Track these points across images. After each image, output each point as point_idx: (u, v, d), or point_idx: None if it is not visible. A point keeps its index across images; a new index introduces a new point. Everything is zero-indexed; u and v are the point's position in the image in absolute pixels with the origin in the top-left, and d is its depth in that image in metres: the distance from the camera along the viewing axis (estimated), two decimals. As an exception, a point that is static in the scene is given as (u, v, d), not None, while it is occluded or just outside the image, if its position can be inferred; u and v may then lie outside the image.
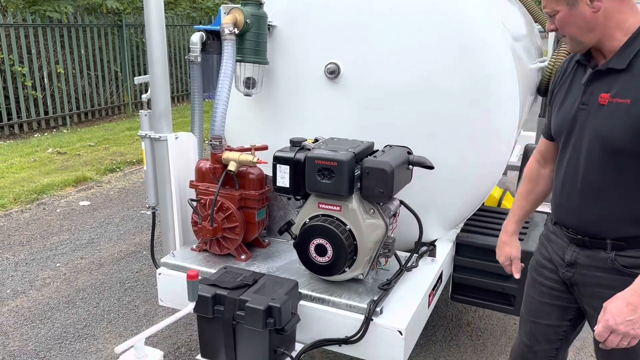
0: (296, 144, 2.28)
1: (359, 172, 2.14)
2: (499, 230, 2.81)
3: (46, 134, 9.00)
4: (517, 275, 2.11)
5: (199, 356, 2.15)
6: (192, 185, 2.56)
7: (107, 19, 10.74)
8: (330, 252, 2.15)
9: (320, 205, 2.21)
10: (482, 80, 2.46)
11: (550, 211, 1.99)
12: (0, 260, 4.26)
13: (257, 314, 1.93)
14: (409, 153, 2.30)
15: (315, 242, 2.17)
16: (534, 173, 2.07)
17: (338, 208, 2.18)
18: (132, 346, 1.58)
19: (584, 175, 1.71)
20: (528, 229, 2.93)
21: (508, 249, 2.11)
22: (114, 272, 4.09)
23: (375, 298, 2.14)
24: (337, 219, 2.17)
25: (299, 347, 2.19)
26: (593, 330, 1.65)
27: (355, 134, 2.59)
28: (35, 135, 8.84)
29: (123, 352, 1.53)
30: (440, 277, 2.61)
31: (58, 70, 9.70)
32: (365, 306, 2.11)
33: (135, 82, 2.73)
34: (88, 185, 6.21)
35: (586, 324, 1.96)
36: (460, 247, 2.85)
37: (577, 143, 1.72)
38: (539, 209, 3.23)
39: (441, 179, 2.61)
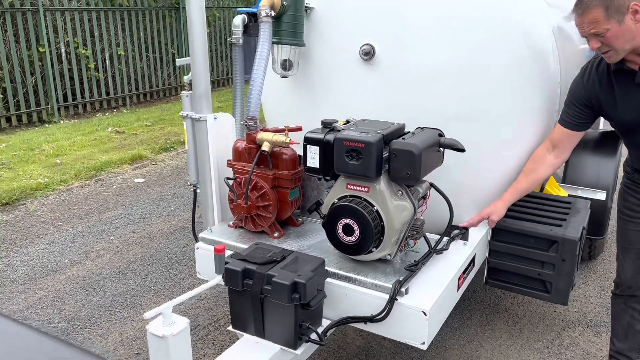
0: (327, 125, 2.31)
1: (387, 153, 2.16)
2: (537, 215, 2.80)
3: (107, 113, 9.43)
4: (464, 224, 2.61)
5: (230, 327, 2.25)
6: (229, 165, 2.65)
7: (165, 2, 11.05)
8: (357, 232, 2.19)
9: (349, 186, 2.25)
10: (520, 60, 2.41)
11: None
12: (60, 232, 4.56)
13: (283, 288, 2.00)
14: (440, 135, 2.29)
15: (342, 222, 2.21)
16: (538, 157, 2.54)
17: (366, 189, 2.21)
18: (160, 313, 1.69)
19: None
20: (569, 215, 2.85)
21: (490, 209, 2.57)
22: (163, 246, 4.29)
23: (400, 278, 2.17)
24: (365, 199, 2.20)
25: (326, 323, 2.25)
26: None
27: (390, 115, 2.60)
28: (97, 115, 9.27)
29: (151, 318, 1.64)
30: (472, 261, 2.60)
31: (119, 53, 10.10)
32: (391, 286, 2.14)
33: (177, 64, 2.83)
34: (143, 163, 6.48)
35: None
36: (496, 231, 2.82)
37: None
38: (582, 194, 3.17)
39: (475, 161, 2.59)
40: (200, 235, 2.63)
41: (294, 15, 2.64)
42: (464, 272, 2.47)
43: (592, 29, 2.04)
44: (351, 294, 2.24)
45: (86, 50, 9.49)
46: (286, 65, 2.76)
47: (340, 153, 2.17)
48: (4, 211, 4.97)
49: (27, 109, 8.76)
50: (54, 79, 9.04)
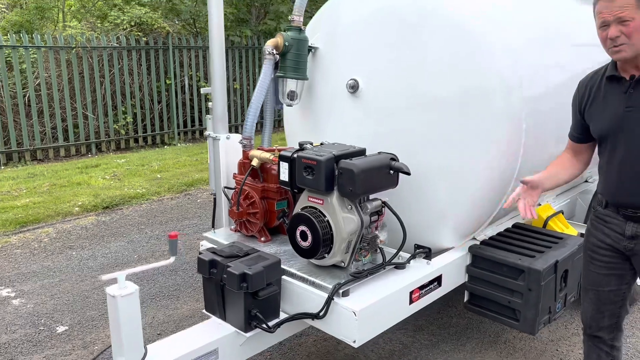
0: (301, 145, 2.69)
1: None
2: (517, 246, 2.92)
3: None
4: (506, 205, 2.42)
5: (204, 310, 2.68)
6: (234, 177, 3.13)
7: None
8: (310, 238, 2.52)
9: (309, 199, 2.59)
10: (482, 92, 2.60)
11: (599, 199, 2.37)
12: (140, 234, 5.35)
13: (234, 277, 2.39)
14: (393, 160, 2.56)
15: (300, 229, 2.56)
16: (566, 158, 2.49)
17: (321, 202, 2.54)
18: (115, 278, 2.17)
19: None
20: (550, 249, 2.90)
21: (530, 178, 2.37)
22: (217, 253, 4.87)
23: (341, 282, 2.45)
24: (319, 210, 2.53)
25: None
26: None
27: (373, 140, 2.90)
28: (209, 140, 10.40)
29: (107, 280, 2.13)
30: (438, 281, 2.77)
31: (235, 86, 11.26)
32: (331, 287, 2.43)
33: (202, 92, 3.40)
34: (230, 183, 7.25)
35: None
36: (475, 258, 2.95)
37: (629, 138, 2.14)
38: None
39: (453, 188, 2.78)
40: (204, 234, 3.12)
41: (296, 54, 3.08)
42: (420, 288, 2.66)
43: (619, 13, 2.01)
44: (304, 293, 2.56)
45: (206, 83, 10.74)
46: (292, 95, 3.20)
47: (300, 169, 2.54)
48: (103, 213, 5.94)
49: (152, 132, 10.12)
50: (177, 107, 10.35)
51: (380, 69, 2.87)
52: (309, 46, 3.14)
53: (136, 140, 9.88)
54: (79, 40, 8.92)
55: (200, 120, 10.77)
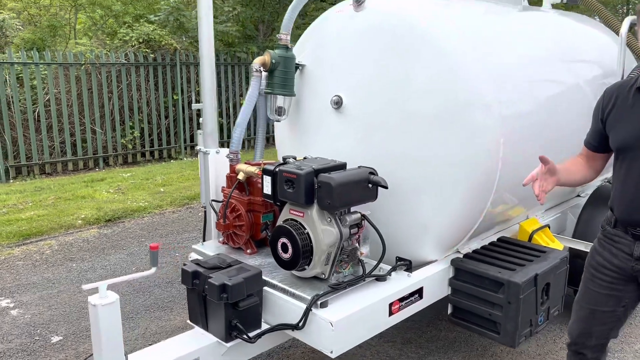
0: (284, 159, 2.77)
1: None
2: (499, 259, 2.96)
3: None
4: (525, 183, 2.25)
5: (188, 320, 2.74)
6: (222, 190, 3.20)
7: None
8: (290, 250, 2.58)
9: (291, 211, 2.65)
10: (458, 108, 2.66)
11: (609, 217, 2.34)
12: (140, 246, 5.44)
13: (214, 288, 2.45)
14: (372, 174, 2.62)
15: (281, 241, 2.62)
16: (579, 162, 2.46)
17: (301, 214, 2.60)
18: (97, 287, 2.24)
19: None
20: (532, 262, 2.93)
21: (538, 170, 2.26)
22: (213, 265, 4.94)
23: (320, 293, 2.50)
24: (300, 223, 2.59)
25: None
26: None
27: (357, 155, 2.96)
28: (215, 155, 10.53)
29: (89, 289, 2.20)
30: (418, 293, 2.81)
31: (241, 102, 11.41)
32: (310, 298, 2.48)
33: (193, 108, 3.50)
34: (232, 197, 7.33)
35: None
36: (458, 271, 2.99)
37: None
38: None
39: (435, 201, 2.82)
40: (193, 246, 3.19)
41: (283, 71, 3.16)
42: (400, 300, 2.70)
43: None
44: (285, 304, 2.61)
45: (212, 98, 10.89)
46: (279, 111, 3.28)
47: (281, 182, 2.61)
48: (106, 226, 6.05)
49: (159, 147, 10.27)
50: (184, 122, 10.51)
51: (363, 85, 2.95)
52: (297, 63, 3.23)
53: (143, 155, 10.03)
54: (88, 57, 9.13)
55: (206, 135, 10.91)
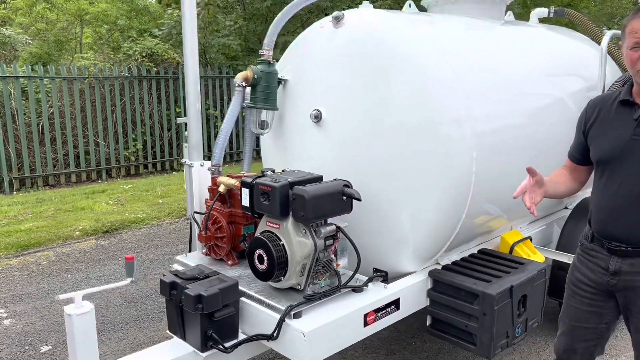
0: (262, 172, 2.82)
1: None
2: (477, 271, 2.99)
3: (226, 165, 10.73)
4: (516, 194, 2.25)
5: (167, 330, 2.79)
6: (205, 202, 3.26)
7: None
8: (266, 261, 2.62)
9: (268, 223, 2.71)
10: (431, 124, 2.71)
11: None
12: (135, 257, 5.51)
13: (190, 299, 2.50)
14: (346, 186, 2.67)
15: (257, 252, 2.66)
16: (564, 173, 2.47)
17: (277, 226, 2.65)
18: (72, 297, 2.30)
19: None
20: (509, 274, 2.95)
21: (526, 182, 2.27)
22: (206, 276, 4.99)
23: (294, 304, 2.54)
24: (275, 234, 2.64)
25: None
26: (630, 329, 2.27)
27: (336, 168, 3.01)
28: (216, 167, 10.63)
29: (64, 299, 2.26)
30: (395, 304, 2.84)
31: (243, 114, 11.50)
32: (284, 309, 2.52)
33: (178, 122, 3.57)
34: (230, 209, 7.41)
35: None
36: (436, 282, 3.01)
37: (633, 166, 2.09)
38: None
39: (411, 213, 2.86)
40: (176, 257, 3.25)
41: (265, 86, 3.23)
42: (375, 311, 2.73)
43: None
44: (261, 315, 2.65)
45: (215, 111, 11.02)
46: (262, 125, 3.34)
47: (258, 195, 2.66)
48: (103, 237, 6.13)
49: (162, 159, 10.39)
50: (186, 134, 10.60)
51: (341, 100, 3.00)
52: (279, 78, 3.30)
53: (145, 167, 10.15)
54: (91, 71, 9.28)
55: (209, 147, 11.01)
